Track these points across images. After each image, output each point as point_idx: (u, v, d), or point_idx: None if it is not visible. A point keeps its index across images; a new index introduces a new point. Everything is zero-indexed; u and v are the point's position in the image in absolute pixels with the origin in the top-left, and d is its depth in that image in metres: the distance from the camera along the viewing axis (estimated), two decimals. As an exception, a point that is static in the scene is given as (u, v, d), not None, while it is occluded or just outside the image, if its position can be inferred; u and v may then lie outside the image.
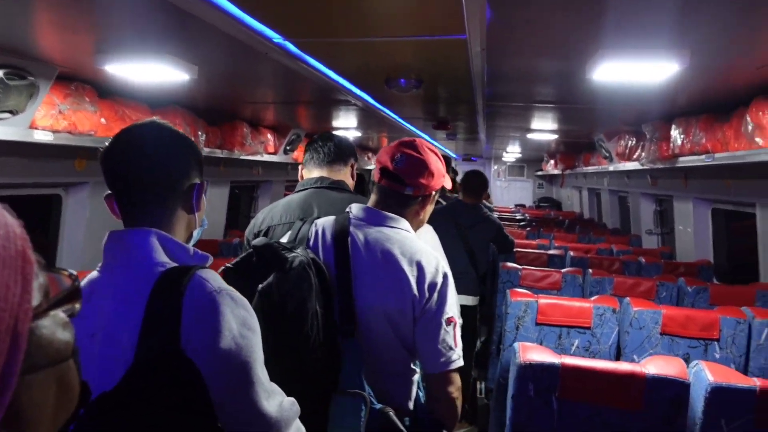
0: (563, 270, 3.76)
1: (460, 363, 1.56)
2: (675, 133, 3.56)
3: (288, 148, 5.79)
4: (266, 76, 3.11)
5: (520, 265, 4.16)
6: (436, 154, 1.65)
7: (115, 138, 1.15)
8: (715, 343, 2.68)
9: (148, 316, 1.00)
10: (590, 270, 3.70)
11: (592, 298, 2.88)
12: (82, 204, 3.70)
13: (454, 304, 1.57)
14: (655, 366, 1.87)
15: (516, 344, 2.00)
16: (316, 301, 1.43)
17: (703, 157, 3.23)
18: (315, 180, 2.11)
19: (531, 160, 12.83)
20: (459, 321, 1.58)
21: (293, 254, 1.45)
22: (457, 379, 1.56)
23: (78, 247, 3.73)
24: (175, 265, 1.08)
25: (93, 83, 3.05)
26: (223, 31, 2.03)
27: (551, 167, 9.98)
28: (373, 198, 1.67)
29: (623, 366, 1.87)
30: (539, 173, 12.60)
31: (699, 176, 4.43)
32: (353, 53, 2.62)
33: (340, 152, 2.18)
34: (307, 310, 1.41)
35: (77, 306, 0.48)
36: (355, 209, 1.65)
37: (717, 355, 2.68)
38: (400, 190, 1.61)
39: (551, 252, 4.63)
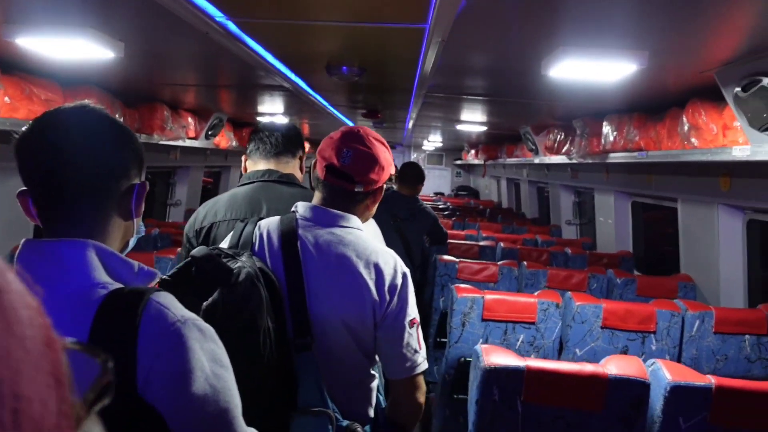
0: (499, 263, 3.79)
1: (425, 366, 1.49)
2: (607, 130, 3.65)
3: (210, 132, 5.48)
4: (198, 56, 2.87)
5: (453, 256, 4.17)
6: (383, 143, 1.53)
7: (36, 122, 0.92)
8: (652, 335, 2.76)
9: None
10: (525, 263, 3.74)
11: (536, 293, 2.90)
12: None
13: (414, 304, 1.49)
14: (615, 366, 1.87)
15: (478, 347, 1.94)
16: (267, 316, 1.29)
17: (636, 154, 3.32)
18: (262, 173, 1.94)
19: (450, 149, 13.01)
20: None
21: (238, 264, 1.30)
22: (422, 382, 1.49)
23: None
24: (118, 285, 0.88)
25: (-5, 57, 2.69)
26: (161, 5, 1.81)
27: (472, 157, 10.14)
28: (318, 196, 1.52)
29: (586, 367, 1.86)
30: (458, 162, 12.80)
31: (621, 171, 4.60)
32: (297, 36, 2.45)
33: (288, 143, 2.02)
34: (257, 328, 1.26)
35: (108, 400, 0.34)
36: (301, 209, 1.50)
37: (653, 347, 2.77)
38: (349, 188, 1.47)
39: (483, 243, 4.67)
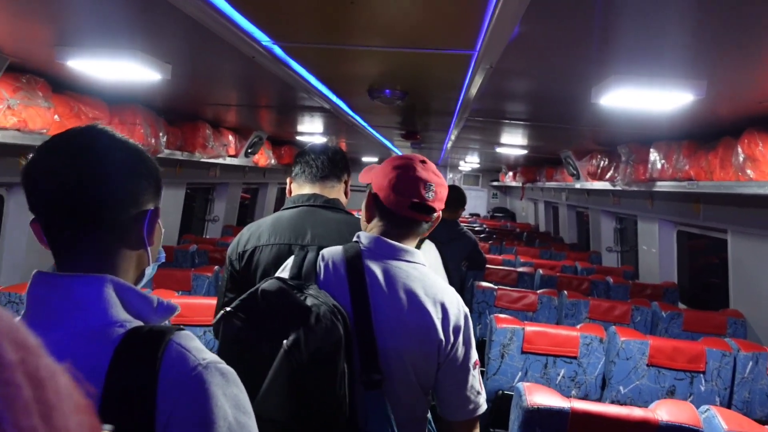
0: (539, 291, 3.69)
1: (485, 407, 1.45)
2: (654, 157, 3.54)
3: (249, 150, 5.53)
4: (242, 77, 2.89)
5: (491, 282, 4.08)
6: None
7: (41, 147, 0.86)
8: (701, 375, 2.64)
9: (108, 395, 0.76)
10: (565, 292, 3.64)
11: (578, 326, 2.80)
12: (26, 206, 3.36)
13: (474, 345, 1.45)
14: (667, 412, 1.77)
15: (520, 385, 1.86)
16: (344, 357, 1.23)
17: (685, 183, 3.21)
18: (307, 197, 1.91)
19: (487, 170, 12.89)
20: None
21: (313, 300, 1.24)
22: (477, 423, 1.45)
23: (20, 254, 3.39)
24: (137, 323, 0.83)
25: (47, 76, 2.75)
26: (210, 30, 1.82)
27: (510, 179, 10.02)
28: (380, 226, 1.46)
29: (635, 412, 1.77)
30: (495, 183, 12.67)
31: (666, 199, 4.45)
32: (341, 60, 2.45)
33: (334, 167, 1.98)
34: (336, 370, 1.21)
35: None
36: (365, 239, 1.45)
37: (702, 388, 2.64)
38: (426, 219, 1.45)
39: (521, 270, 4.57)
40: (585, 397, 2.65)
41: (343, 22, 1.86)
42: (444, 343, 1.36)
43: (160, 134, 3.76)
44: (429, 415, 1.51)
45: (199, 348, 0.84)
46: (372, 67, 2.50)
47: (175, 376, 0.78)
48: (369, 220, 1.49)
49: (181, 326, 0.86)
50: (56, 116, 2.85)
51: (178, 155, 4.27)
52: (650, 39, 1.70)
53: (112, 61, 2.14)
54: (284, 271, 1.45)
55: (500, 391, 2.68)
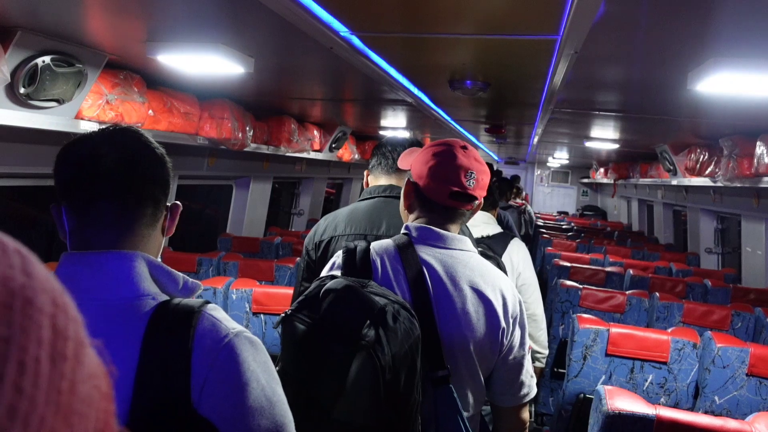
0: (627, 292, 3.50)
1: (536, 390, 1.46)
2: (761, 150, 3.25)
3: (333, 145, 5.61)
4: (323, 70, 2.92)
5: (576, 281, 3.91)
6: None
7: (85, 135, 0.93)
8: (811, 389, 2.39)
9: (145, 362, 0.80)
10: (657, 294, 3.42)
11: (669, 330, 2.62)
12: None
13: (528, 329, 1.48)
14: (766, 426, 1.61)
15: (601, 388, 1.76)
16: (420, 356, 1.20)
17: (796, 178, 2.92)
18: (383, 188, 1.91)
19: (577, 167, 12.43)
20: None
21: (381, 298, 1.19)
22: (527, 407, 1.47)
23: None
24: (166, 297, 0.88)
25: (142, 72, 2.90)
26: (287, 21, 1.84)
27: (601, 175, 9.60)
28: (422, 215, 1.41)
29: (730, 424, 1.62)
30: (585, 180, 12.19)
31: (775, 196, 4.09)
32: (420, 50, 2.41)
33: None
34: (416, 370, 1.17)
35: None
36: (414, 230, 1.40)
37: (812, 404, 2.39)
38: (468, 207, 1.41)
39: (609, 269, 4.35)
40: (675, 406, 2.48)
41: (420, 10, 1.82)
42: (506, 330, 1.35)
43: (247, 128, 3.88)
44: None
45: (228, 318, 0.89)
46: (451, 56, 2.44)
47: (209, 344, 0.83)
48: (409, 209, 1.45)
49: (209, 300, 0.91)
50: (150, 111, 3.00)
51: (264, 149, 4.39)
52: (757, 16, 1.55)
53: (197, 54, 2.22)
54: (334, 269, 1.40)
55: (582, 395, 2.56)
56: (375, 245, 1.40)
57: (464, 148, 1.40)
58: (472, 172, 1.36)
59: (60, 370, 0.25)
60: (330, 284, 1.23)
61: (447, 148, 1.40)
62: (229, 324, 0.87)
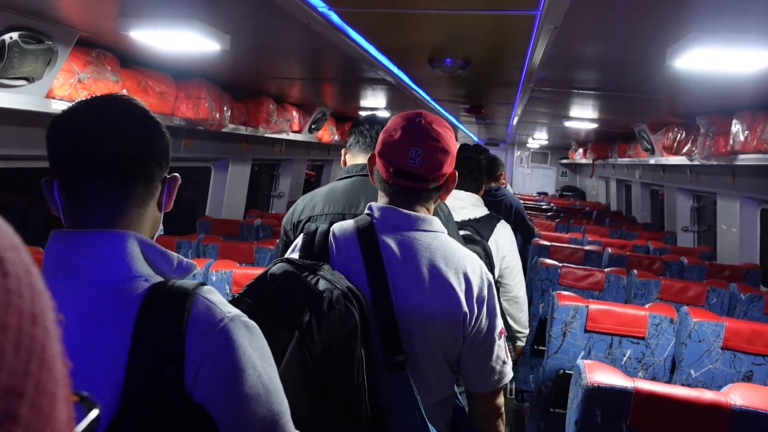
0: (606, 270, 3.54)
1: (511, 375, 1.41)
2: (737, 128, 3.29)
3: (313, 126, 5.56)
4: (302, 48, 2.87)
5: (556, 260, 3.95)
6: (447, 128, 1.35)
7: (76, 104, 0.88)
8: (783, 361, 2.45)
9: (137, 346, 0.76)
10: (635, 271, 3.47)
11: (647, 306, 2.66)
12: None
13: (499, 313, 1.40)
14: (741, 396, 1.64)
15: (580, 362, 1.78)
16: (361, 343, 1.18)
17: (772, 155, 2.97)
18: (361, 167, 1.89)
19: (556, 147, 12.50)
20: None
21: (326, 284, 1.18)
22: (502, 392, 1.42)
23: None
24: (159, 279, 0.84)
25: (115, 51, 2.83)
26: (264, -5, 1.80)
27: (580, 156, 9.67)
28: (385, 195, 1.36)
29: (706, 395, 1.65)
30: (564, 161, 12.27)
31: (749, 174, 4.15)
32: (399, 27, 2.38)
33: None
34: (353, 358, 1.15)
35: None
36: (377, 211, 1.34)
37: (784, 375, 2.45)
38: (423, 187, 1.32)
39: (588, 248, 4.40)
40: (653, 380, 2.52)
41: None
42: (468, 315, 1.29)
43: (225, 108, 3.82)
44: (456, 388, 1.46)
45: (223, 302, 0.85)
46: (431, 33, 2.42)
47: (203, 328, 0.79)
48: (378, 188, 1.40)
49: (204, 282, 0.88)
50: (124, 90, 2.93)
51: (243, 130, 4.34)
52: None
53: (171, 30, 2.17)
54: (295, 251, 1.38)
55: (561, 371, 2.59)
56: (336, 227, 1.36)
57: (418, 120, 1.31)
58: (417, 150, 1.27)
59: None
60: (273, 269, 1.21)
61: (396, 122, 1.33)
62: (225, 307, 0.84)
